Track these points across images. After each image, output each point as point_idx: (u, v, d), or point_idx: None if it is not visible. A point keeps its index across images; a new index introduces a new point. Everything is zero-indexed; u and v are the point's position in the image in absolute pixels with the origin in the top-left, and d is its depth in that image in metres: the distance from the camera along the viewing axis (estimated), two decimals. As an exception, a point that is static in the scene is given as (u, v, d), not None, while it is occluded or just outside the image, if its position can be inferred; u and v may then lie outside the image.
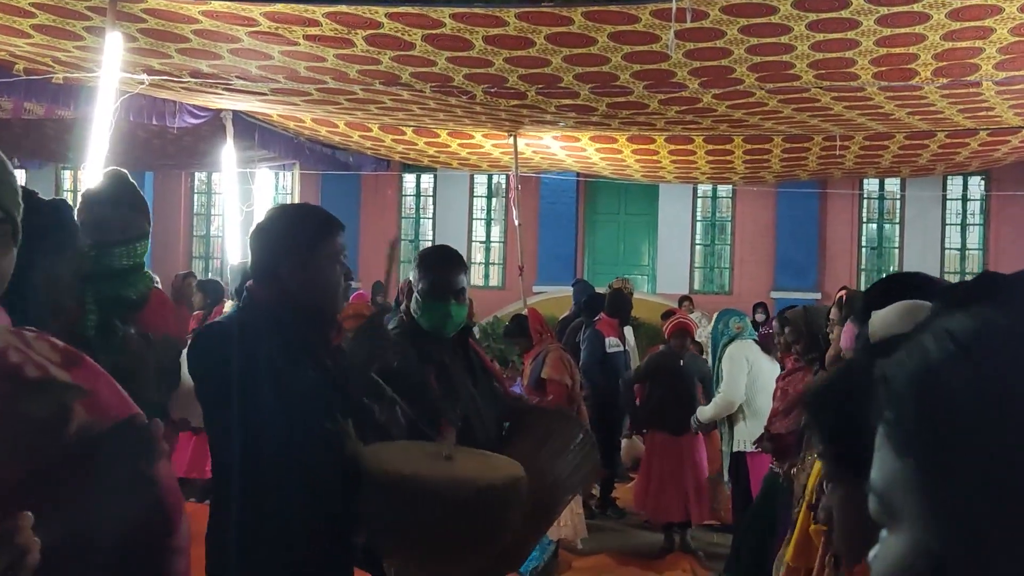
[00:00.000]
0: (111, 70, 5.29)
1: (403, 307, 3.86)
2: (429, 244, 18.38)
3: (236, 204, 9.42)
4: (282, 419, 2.54)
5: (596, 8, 5.00)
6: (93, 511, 1.37)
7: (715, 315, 6.94)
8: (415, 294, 3.57)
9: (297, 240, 2.70)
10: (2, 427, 1.31)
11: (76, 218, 3.14)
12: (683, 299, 13.19)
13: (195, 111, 8.27)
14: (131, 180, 3.65)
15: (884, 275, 16.14)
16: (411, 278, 3.66)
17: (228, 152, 8.99)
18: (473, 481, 2.73)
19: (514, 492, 2.81)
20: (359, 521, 2.74)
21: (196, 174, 18.93)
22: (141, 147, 10.36)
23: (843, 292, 3.83)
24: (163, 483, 1.51)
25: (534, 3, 4.95)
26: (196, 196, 19.29)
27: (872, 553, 0.76)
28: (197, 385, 2.68)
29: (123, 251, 3.40)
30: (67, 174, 18.95)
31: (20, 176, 20.08)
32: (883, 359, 0.76)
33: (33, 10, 5.34)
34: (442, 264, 3.58)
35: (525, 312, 7.79)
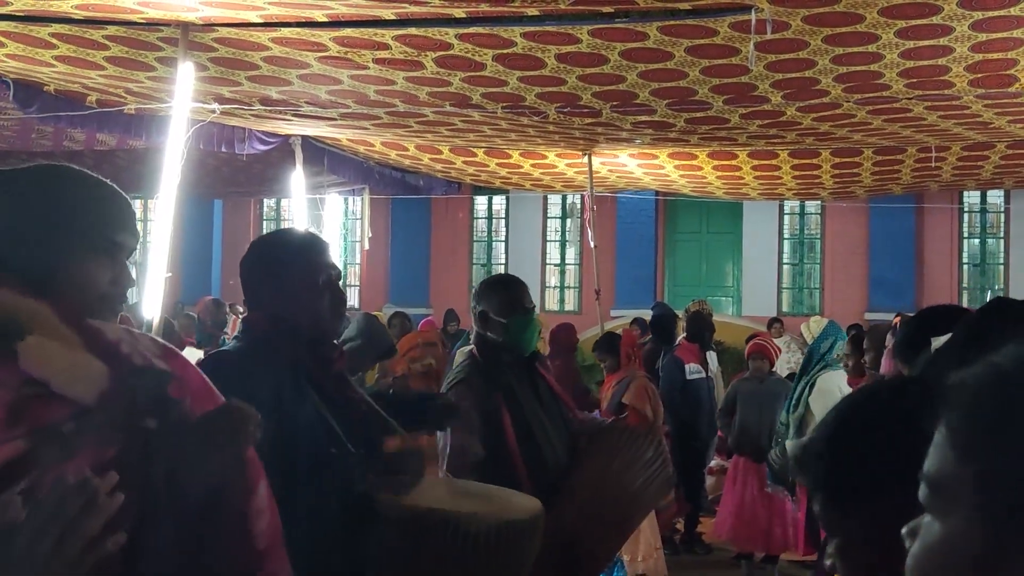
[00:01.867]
0: (183, 100, 5.48)
1: (472, 338, 3.94)
2: (502, 268, 18.50)
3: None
4: (281, 448, 2.50)
5: (672, 23, 5.03)
6: (186, 478, 1.72)
7: (824, 325, 6.72)
8: (489, 316, 3.67)
9: (282, 267, 2.73)
10: (113, 401, 1.64)
11: None
12: (772, 321, 13.06)
13: (264, 137, 8.48)
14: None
15: (988, 293, 15.71)
16: (475, 308, 3.74)
17: (297, 178, 9.19)
18: (492, 516, 2.74)
19: (536, 527, 2.82)
20: (370, 560, 2.71)
21: (265, 201, 19.37)
22: (210, 175, 10.67)
23: (898, 318, 3.81)
24: (247, 457, 1.89)
25: (608, 19, 4.99)
26: (265, 223, 19.74)
27: (906, 529, 0.89)
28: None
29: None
30: (138, 203, 19.57)
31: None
32: (953, 371, 0.88)
33: (107, 42, 5.56)
34: (511, 283, 3.77)
35: (620, 332, 7.79)
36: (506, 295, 3.68)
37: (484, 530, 2.72)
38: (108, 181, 1.89)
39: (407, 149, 9.41)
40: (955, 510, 0.85)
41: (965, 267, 16.84)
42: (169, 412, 1.73)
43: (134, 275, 1.90)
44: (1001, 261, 16.66)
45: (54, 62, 6.01)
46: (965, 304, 16.18)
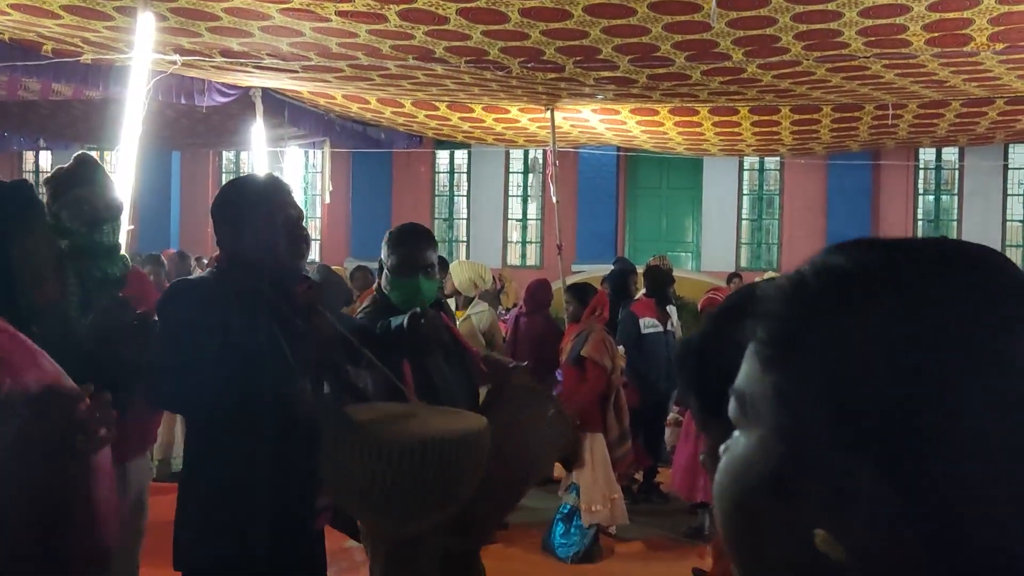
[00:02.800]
0: (143, 51, 5.42)
1: (374, 285, 4.08)
2: (463, 222, 18.48)
3: (266, 184, 9.57)
4: (243, 372, 2.70)
5: (635, -22, 5.05)
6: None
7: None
8: (385, 271, 3.78)
9: (243, 208, 2.94)
10: None
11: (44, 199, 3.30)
12: (732, 276, 13.18)
13: (224, 89, 8.41)
14: (100, 163, 3.87)
15: None
16: (381, 256, 3.83)
17: (257, 130, 9.14)
18: (426, 434, 2.84)
19: (470, 444, 2.92)
20: (327, 480, 2.88)
21: (224, 153, 19.16)
22: (169, 127, 10.56)
23: None
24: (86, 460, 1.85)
25: (571, -26, 5.00)
26: (224, 176, 19.55)
27: (722, 447, 0.84)
28: (163, 329, 2.84)
29: (109, 228, 3.61)
30: (94, 155, 19.27)
31: (46, 157, 20.30)
32: (765, 283, 0.85)
33: (64, -9, 5.49)
34: (410, 240, 3.77)
35: (597, 288, 7.78)
36: (401, 253, 3.71)
37: (416, 447, 2.81)
38: None
39: (368, 102, 9.37)
40: (757, 425, 0.81)
41: (920, 223, 17.07)
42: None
43: None
44: (954, 217, 16.91)
45: (8, 10, 5.90)
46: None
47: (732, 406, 0.83)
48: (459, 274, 7.79)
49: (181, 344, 2.75)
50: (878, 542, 0.72)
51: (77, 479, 1.85)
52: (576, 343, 6.85)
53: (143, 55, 5.45)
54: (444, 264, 9.43)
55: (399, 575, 3.55)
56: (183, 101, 8.31)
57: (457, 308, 7.55)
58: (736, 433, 0.83)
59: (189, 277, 3.11)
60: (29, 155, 18.65)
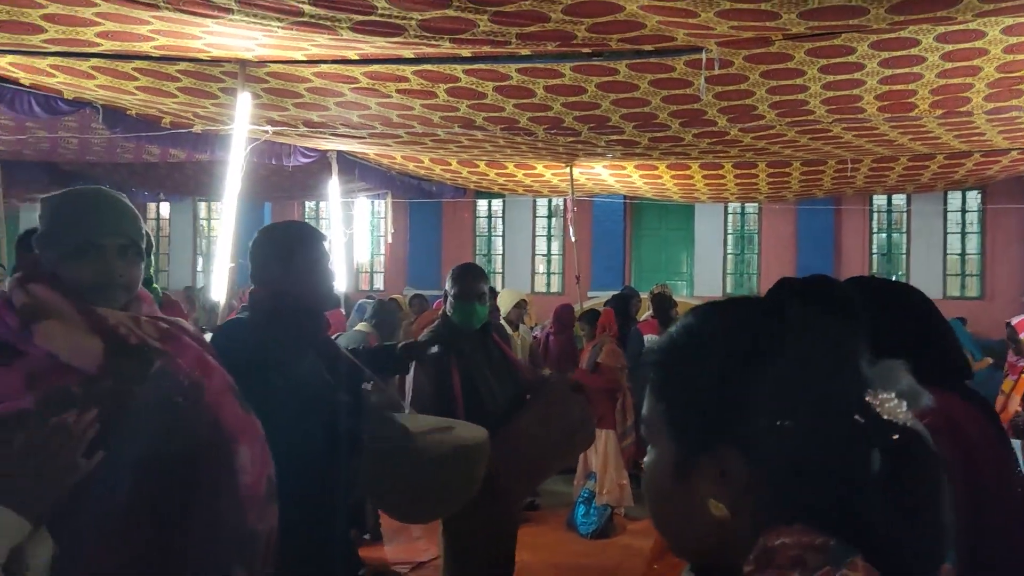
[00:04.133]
0: (242, 123, 5.49)
1: (441, 310, 4.11)
2: (499, 258, 18.50)
3: (340, 228, 9.63)
4: (291, 394, 2.59)
5: (638, 61, 5.05)
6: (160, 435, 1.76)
7: None
8: (449, 298, 3.90)
9: (287, 250, 2.77)
10: (108, 370, 1.75)
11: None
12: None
13: (306, 151, 8.49)
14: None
15: (894, 277, 15.59)
16: (446, 286, 3.94)
17: (333, 185, 9.21)
18: (458, 442, 2.94)
19: (483, 450, 3.02)
20: (361, 478, 2.85)
21: (306, 203, 19.32)
22: (261, 182, 10.67)
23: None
24: (223, 421, 1.90)
25: (586, 58, 5.01)
26: (307, 221, 19.71)
27: (644, 460, 0.97)
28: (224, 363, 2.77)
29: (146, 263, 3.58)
30: (203, 205, 19.50)
31: (165, 208, 20.29)
32: (658, 338, 1.01)
33: (179, 76, 5.56)
34: (468, 275, 3.93)
35: (601, 310, 7.83)
36: (461, 285, 3.87)
37: (443, 452, 2.91)
38: (109, 193, 1.98)
39: (422, 161, 9.44)
40: (657, 441, 0.92)
41: (875, 257, 16.85)
42: (158, 382, 1.81)
43: (140, 268, 1.97)
44: (903, 251, 16.69)
45: (135, 91, 6.01)
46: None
47: (643, 429, 0.97)
48: (504, 301, 7.88)
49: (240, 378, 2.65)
50: (744, 500, 0.85)
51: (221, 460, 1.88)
52: (593, 352, 6.86)
53: (241, 126, 5.51)
54: (494, 293, 9.46)
55: (459, 547, 3.57)
56: (273, 162, 8.40)
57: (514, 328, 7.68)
58: (649, 448, 0.96)
59: (239, 318, 2.83)
60: (152, 205, 18.91)
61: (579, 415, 3.72)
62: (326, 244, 2.87)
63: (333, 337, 3.53)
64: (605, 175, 9.89)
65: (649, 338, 8.01)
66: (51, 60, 5.25)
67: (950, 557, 1.03)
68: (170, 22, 4.27)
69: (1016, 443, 6.44)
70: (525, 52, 4.86)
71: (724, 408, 0.86)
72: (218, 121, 6.72)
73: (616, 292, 10.09)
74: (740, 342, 0.88)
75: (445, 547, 3.67)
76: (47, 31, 4.60)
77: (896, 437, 0.82)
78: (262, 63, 5.29)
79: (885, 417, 0.83)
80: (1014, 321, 6.81)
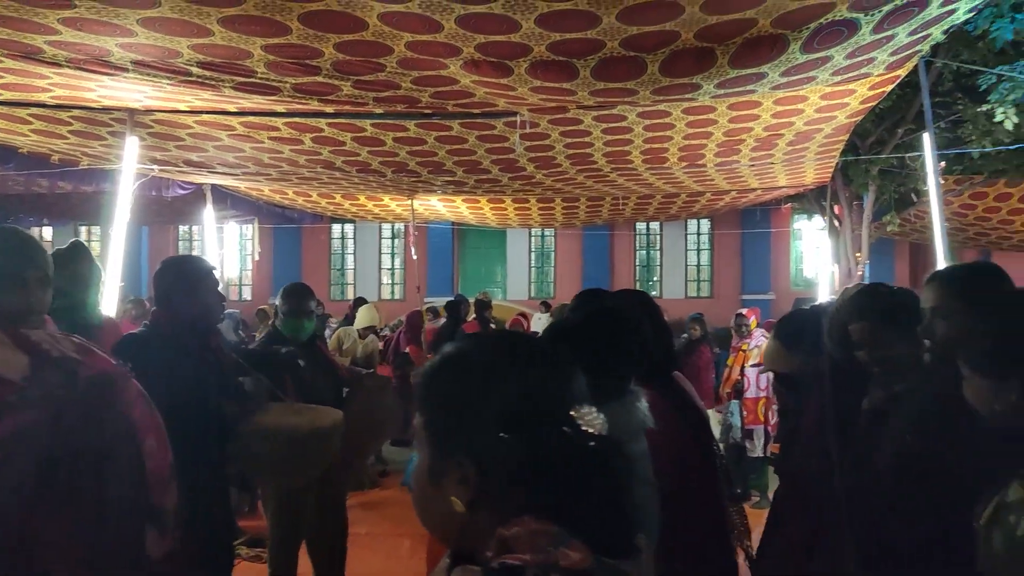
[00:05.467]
0: (130, 164, 5.08)
1: (270, 323, 4.02)
2: (352, 272, 18.07)
3: (213, 248, 9.07)
4: (183, 395, 2.57)
5: (468, 120, 5.13)
6: (81, 434, 1.70)
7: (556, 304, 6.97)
8: (279, 314, 3.75)
9: (190, 281, 2.79)
10: (33, 381, 1.69)
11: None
12: (542, 303, 13.30)
13: (183, 184, 7.94)
14: (87, 246, 3.57)
15: (652, 284, 16.41)
16: (276, 303, 3.80)
17: (208, 213, 8.65)
18: (308, 425, 2.90)
19: (333, 430, 2.98)
20: (235, 456, 2.82)
21: (181, 227, 18.01)
22: (141, 209, 9.77)
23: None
24: (131, 416, 1.85)
25: (426, 117, 5.03)
26: (181, 243, 18.39)
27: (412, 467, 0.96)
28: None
29: (95, 290, 3.39)
30: (83, 229, 17.69)
31: (48, 232, 18.33)
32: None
33: (71, 121, 5.08)
34: (294, 294, 3.76)
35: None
36: (290, 303, 3.71)
37: (301, 434, 2.86)
38: (23, 233, 1.91)
39: (287, 193, 9.06)
40: (419, 448, 0.91)
41: (638, 269, 17.92)
42: (79, 388, 1.75)
43: (50, 294, 1.90)
44: (658, 264, 17.86)
45: (29, 133, 5.41)
46: (638, 290, 17.15)
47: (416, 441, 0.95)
48: (360, 316, 7.73)
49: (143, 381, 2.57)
50: (483, 498, 0.84)
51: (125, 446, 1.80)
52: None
53: (129, 166, 5.10)
54: (363, 301, 9.22)
55: (287, 515, 3.52)
56: (153, 193, 7.78)
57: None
58: (414, 454, 0.94)
59: (139, 332, 2.82)
60: (35, 230, 16.93)
61: (388, 405, 3.69)
62: (216, 274, 2.87)
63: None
64: (439, 206, 9.91)
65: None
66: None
67: (649, 533, 1.12)
68: (68, 77, 3.90)
69: (735, 403, 7.07)
70: (379, 111, 4.82)
71: (465, 423, 0.85)
72: (104, 160, 6.15)
73: (449, 298, 10.16)
74: (480, 367, 0.87)
75: (274, 514, 3.57)
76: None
77: (592, 444, 0.83)
78: (149, 112, 4.93)
79: (584, 427, 0.84)
80: (743, 311, 7.46)
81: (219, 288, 2.86)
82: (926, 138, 5.37)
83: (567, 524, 0.79)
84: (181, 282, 2.77)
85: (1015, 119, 7.38)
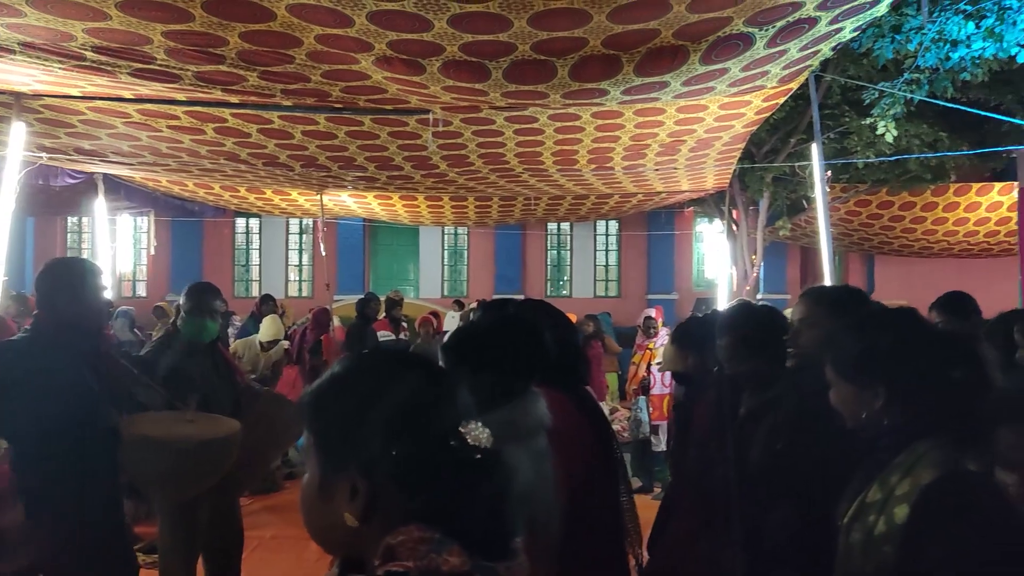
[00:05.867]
0: (16, 151, 4.78)
1: (170, 322, 3.89)
2: (256, 268, 17.52)
3: (105, 241, 8.61)
4: (67, 403, 2.50)
5: (380, 116, 5.11)
6: None
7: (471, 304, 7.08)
8: (182, 313, 3.61)
9: (70, 281, 2.69)
10: None
11: None
12: (455, 301, 13.29)
13: (73, 173, 7.51)
14: None
15: (563, 282, 16.71)
16: (181, 301, 3.66)
17: (99, 204, 8.21)
18: (196, 436, 2.83)
19: (226, 442, 2.91)
20: (123, 466, 2.74)
21: (70, 219, 16.94)
22: (26, 199, 9.10)
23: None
24: None
25: (338, 111, 4.98)
26: (69, 235, 17.30)
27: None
28: None
29: None
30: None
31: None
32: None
33: (-54, 102, 4.73)
34: (201, 293, 3.64)
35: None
36: (193, 301, 3.58)
37: (191, 445, 2.79)
38: None
39: (187, 185, 8.71)
40: (308, 464, 0.94)
41: (549, 268, 18.25)
42: None
43: None
44: (568, 264, 18.25)
45: None
46: (548, 291, 17.48)
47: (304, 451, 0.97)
48: (267, 327, 7.51)
49: (8, 389, 2.46)
50: (370, 511, 0.87)
51: None
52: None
53: (16, 154, 4.80)
54: (270, 298, 8.93)
55: (180, 525, 3.41)
56: (40, 182, 7.33)
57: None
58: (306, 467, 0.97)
59: (18, 338, 2.70)
60: None
61: (287, 418, 3.57)
62: (101, 277, 2.76)
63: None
64: (350, 202, 9.77)
65: (382, 334, 8.06)
66: None
67: (546, 526, 1.18)
68: (-57, 55, 3.64)
69: (643, 399, 7.37)
70: (287, 103, 4.74)
71: (354, 440, 0.87)
72: (-14, 144, 5.73)
73: (360, 296, 10.04)
74: (367, 385, 0.90)
75: (165, 523, 3.47)
76: None
77: (479, 456, 0.88)
78: (37, 96, 4.65)
79: (471, 441, 0.89)
80: (651, 311, 7.76)
81: (105, 291, 2.75)
82: (814, 148, 5.76)
83: (451, 531, 0.84)
84: (64, 285, 2.67)
85: (895, 132, 8.01)
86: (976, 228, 10.87)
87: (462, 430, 0.89)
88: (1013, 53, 6.13)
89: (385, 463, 0.86)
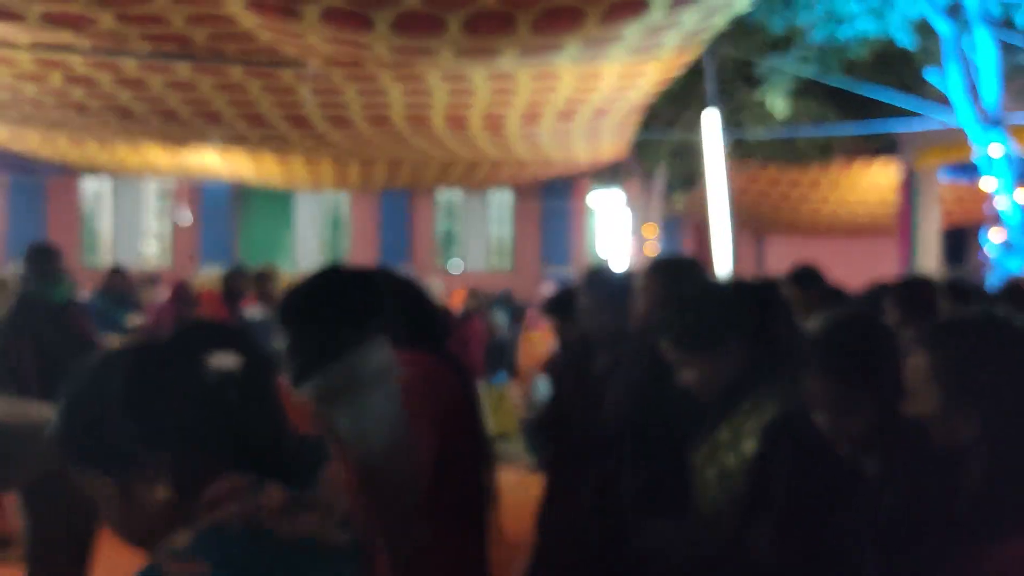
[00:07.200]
0: None
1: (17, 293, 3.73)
2: (109, 236, 16.46)
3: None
4: None
5: (249, 67, 4.94)
6: None
7: None
8: (28, 275, 3.61)
9: None
10: None
11: None
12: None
13: None
14: None
15: (453, 251, 16.67)
16: (24, 267, 3.63)
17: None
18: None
19: (33, 429, 2.64)
20: None
21: None
22: None
23: None
24: None
25: (201, 61, 4.78)
26: None
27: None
28: None
29: None
30: None
31: None
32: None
33: None
34: (42, 254, 3.64)
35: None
36: (36, 264, 3.57)
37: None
38: None
39: (28, 140, 8.05)
40: (101, 486, 0.91)
41: (439, 238, 18.18)
42: None
43: None
44: (459, 234, 18.24)
45: None
46: (437, 263, 17.53)
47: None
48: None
49: None
50: (181, 479, 0.88)
51: None
52: None
53: None
54: (119, 270, 8.36)
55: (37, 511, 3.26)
56: None
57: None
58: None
59: None
60: None
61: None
62: None
63: None
64: (215, 160, 9.35)
65: (249, 311, 7.79)
66: None
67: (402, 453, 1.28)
68: None
69: (542, 377, 7.54)
70: (145, 50, 4.50)
71: (131, 430, 0.87)
72: None
73: (228, 268, 9.63)
74: (140, 382, 0.90)
75: (27, 516, 3.32)
76: None
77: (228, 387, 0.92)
78: None
79: (218, 369, 0.93)
80: (548, 290, 7.96)
81: None
82: (707, 116, 6.07)
83: (264, 472, 0.88)
84: None
85: (783, 107, 8.55)
86: (857, 207, 11.81)
87: (209, 364, 0.92)
88: (894, 35, 6.67)
89: (161, 436, 0.87)
